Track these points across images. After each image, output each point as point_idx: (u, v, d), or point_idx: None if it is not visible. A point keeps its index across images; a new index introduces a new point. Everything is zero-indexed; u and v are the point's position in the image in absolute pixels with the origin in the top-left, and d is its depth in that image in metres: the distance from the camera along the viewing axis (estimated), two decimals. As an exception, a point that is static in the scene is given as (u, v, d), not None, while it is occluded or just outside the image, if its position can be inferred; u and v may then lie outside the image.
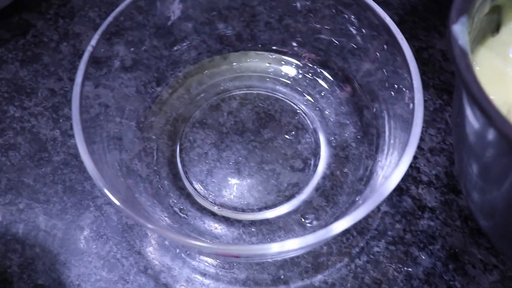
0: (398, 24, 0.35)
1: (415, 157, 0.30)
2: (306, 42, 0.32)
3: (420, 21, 0.36)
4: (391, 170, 0.23)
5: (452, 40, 0.19)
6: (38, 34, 0.35)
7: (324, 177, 0.29)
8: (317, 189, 0.29)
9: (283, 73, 0.33)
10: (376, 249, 0.28)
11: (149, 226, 0.22)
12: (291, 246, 0.21)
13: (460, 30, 0.19)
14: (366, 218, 0.28)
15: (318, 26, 0.31)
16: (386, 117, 0.28)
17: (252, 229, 0.28)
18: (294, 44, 0.32)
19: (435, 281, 0.27)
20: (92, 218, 0.29)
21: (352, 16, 0.28)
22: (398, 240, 0.28)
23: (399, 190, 0.29)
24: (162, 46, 0.31)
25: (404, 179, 0.30)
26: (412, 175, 0.30)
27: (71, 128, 0.31)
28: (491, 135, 0.18)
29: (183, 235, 0.23)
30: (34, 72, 0.34)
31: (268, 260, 0.27)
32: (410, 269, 0.27)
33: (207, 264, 0.27)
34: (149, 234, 0.28)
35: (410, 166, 0.30)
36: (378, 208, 0.29)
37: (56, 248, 0.28)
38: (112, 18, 0.27)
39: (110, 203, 0.29)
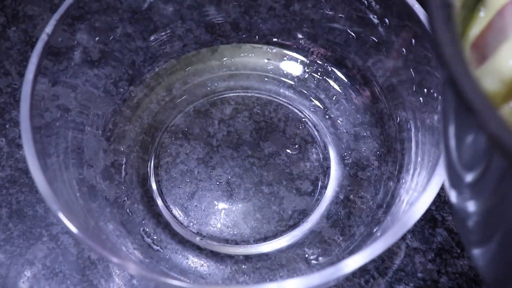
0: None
1: (451, 179, 0.31)
2: (315, 33, 0.33)
3: (459, 9, 0.37)
4: (417, 195, 0.24)
5: None
6: (-20, 17, 0.36)
7: (337, 203, 0.30)
8: (328, 217, 0.30)
9: (285, 72, 0.34)
10: (401, 294, 0.28)
11: (113, 259, 0.22)
12: (290, 287, 0.22)
13: None
14: (390, 256, 0.29)
15: (330, 13, 0.32)
16: (413, 129, 0.28)
17: (247, 267, 0.28)
18: (300, 35, 0.33)
19: (475, 335, 0.27)
20: (46, 251, 0.29)
21: (373, 2, 0.29)
22: (431, 284, 0.29)
23: (433, 221, 0.30)
24: (137, 35, 0.32)
25: (439, 207, 0.30)
26: (449, 203, 0.31)
27: (20, 136, 0.32)
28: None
29: (154, 272, 0.24)
30: (-26, 65, 0.34)
31: (265, 306, 0.27)
32: (443, 320, 0.28)
33: (188, 310, 0.28)
34: (113, 272, 0.29)
35: (446, 191, 0.31)
36: (406, 243, 0.29)
37: (-3, 287, 0.28)
38: (75, -2, 0.28)
39: (69, 231, 0.29)
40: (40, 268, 0.29)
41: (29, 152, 0.24)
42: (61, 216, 0.23)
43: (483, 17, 0.18)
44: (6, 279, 0.28)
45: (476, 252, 0.20)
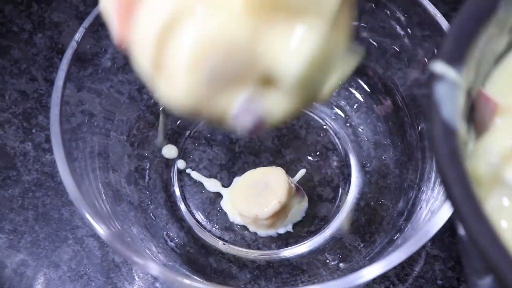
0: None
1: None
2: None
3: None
4: (439, 204, 0.25)
5: (431, 111, 0.14)
6: (5, 22, 0.37)
7: (357, 210, 0.31)
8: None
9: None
10: (421, 301, 0.29)
11: (138, 261, 0.23)
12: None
13: (447, 93, 0.14)
14: (410, 263, 0.30)
15: (354, 22, 0.32)
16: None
17: (269, 272, 0.29)
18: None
19: None
20: (71, 254, 0.30)
21: (397, 12, 0.30)
22: (449, 291, 0.29)
23: (452, 229, 0.31)
24: (161, 43, 0.33)
25: (457, 215, 0.31)
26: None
27: (46, 141, 0.33)
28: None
29: (179, 274, 0.24)
30: (0, 70, 0.35)
31: (286, 311, 0.28)
32: (463, 328, 0.28)
33: (210, 314, 0.29)
34: (137, 275, 0.30)
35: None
36: (426, 251, 0.30)
37: (23, 288, 0.29)
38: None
39: (94, 234, 0.30)
40: (65, 270, 0.30)
41: (58, 155, 0.25)
42: (91, 219, 0.24)
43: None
44: (32, 281, 0.30)
45: None
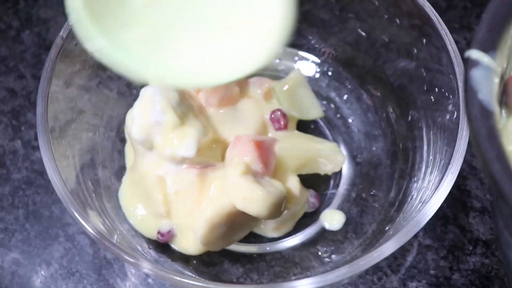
0: (446, 11, 0.37)
1: (464, 178, 0.32)
2: (326, 33, 0.34)
3: (474, 7, 0.37)
4: (430, 193, 0.25)
5: (468, 94, 0.16)
6: (-7, 21, 0.37)
7: (349, 201, 0.31)
8: (340, 215, 0.31)
9: (297, 71, 0.35)
10: (414, 291, 0.29)
11: (129, 259, 0.23)
12: (304, 287, 0.23)
13: (482, 77, 0.16)
14: (402, 253, 0.30)
15: (342, 13, 0.33)
16: (425, 127, 0.29)
17: (261, 265, 0.29)
18: (311, 36, 0.34)
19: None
20: (62, 251, 0.30)
21: (384, 1, 0.30)
22: (444, 281, 0.29)
23: (444, 218, 0.31)
24: (149, 38, 0.33)
25: (451, 205, 0.31)
26: (461, 201, 0.31)
27: (36, 138, 0.33)
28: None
29: (169, 270, 0.25)
30: (-11, 68, 0.36)
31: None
32: (456, 317, 0.29)
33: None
34: (129, 271, 0.30)
35: (459, 189, 0.32)
36: (418, 240, 0.30)
37: None
38: (88, 2, 0.29)
39: (85, 232, 0.30)
40: (57, 268, 0.30)
41: (45, 153, 0.25)
42: (79, 218, 0.24)
43: None
44: (24, 279, 0.30)
45: None
